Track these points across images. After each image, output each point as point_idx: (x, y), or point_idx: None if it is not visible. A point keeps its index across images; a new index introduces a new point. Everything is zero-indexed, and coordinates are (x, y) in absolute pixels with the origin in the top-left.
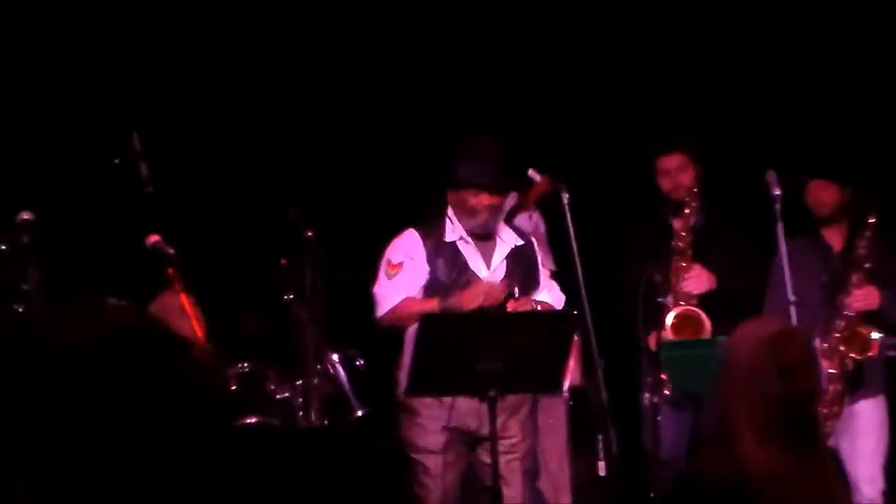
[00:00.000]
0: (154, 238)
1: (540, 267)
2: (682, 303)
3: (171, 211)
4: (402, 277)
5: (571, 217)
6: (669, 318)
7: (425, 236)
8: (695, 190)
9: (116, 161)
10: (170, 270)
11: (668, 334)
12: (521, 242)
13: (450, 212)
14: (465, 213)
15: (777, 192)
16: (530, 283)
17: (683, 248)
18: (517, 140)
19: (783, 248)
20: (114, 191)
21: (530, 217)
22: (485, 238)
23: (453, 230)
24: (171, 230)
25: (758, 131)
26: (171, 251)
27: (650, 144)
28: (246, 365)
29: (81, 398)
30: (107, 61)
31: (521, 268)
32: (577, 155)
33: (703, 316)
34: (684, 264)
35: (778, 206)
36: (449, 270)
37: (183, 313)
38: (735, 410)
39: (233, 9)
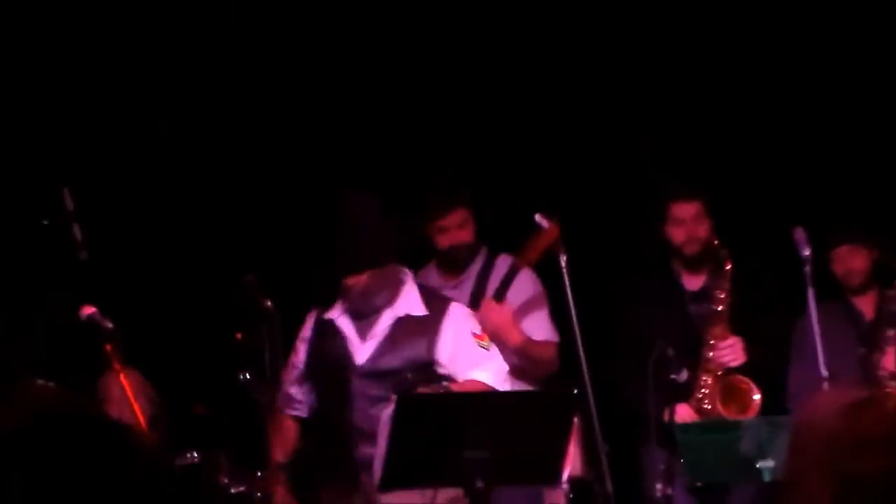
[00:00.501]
0: (89, 310)
1: (469, 337)
2: (706, 377)
3: (109, 278)
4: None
5: (570, 280)
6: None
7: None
8: (718, 244)
9: (45, 222)
10: (108, 346)
11: (714, 406)
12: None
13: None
14: None
15: (807, 252)
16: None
17: (722, 314)
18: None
19: (814, 318)
20: (43, 256)
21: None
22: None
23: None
24: (110, 300)
25: (782, 184)
26: (110, 325)
27: (662, 189)
28: (195, 454)
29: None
30: (34, 104)
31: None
32: (571, 201)
33: (753, 387)
34: (718, 331)
35: (808, 268)
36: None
37: (124, 394)
38: (803, 493)
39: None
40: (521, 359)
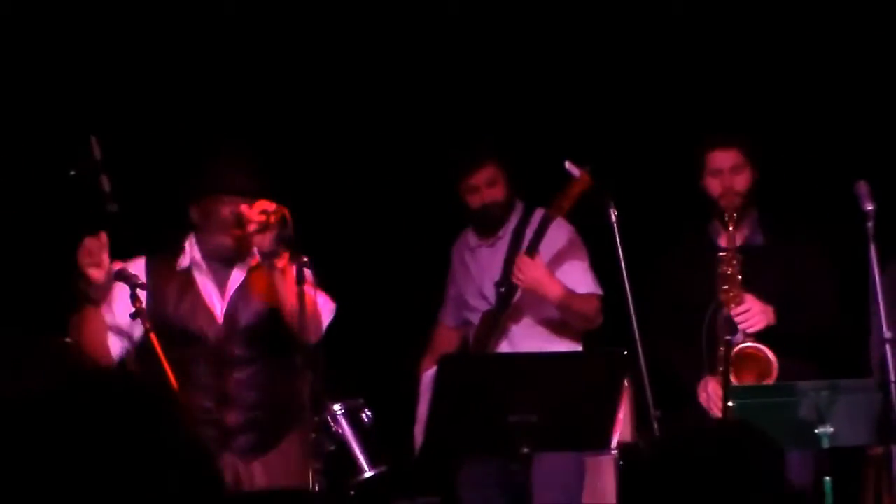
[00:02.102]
0: (117, 265)
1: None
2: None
3: (139, 232)
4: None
5: (620, 236)
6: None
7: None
8: (748, 199)
9: (72, 173)
10: (137, 303)
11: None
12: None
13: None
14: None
15: (870, 207)
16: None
17: (731, 275)
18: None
19: (877, 276)
20: (69, 209)
21: (563, 222)
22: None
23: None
24: (139, 255)
25: (845, 136)
26: (140, 281)
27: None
28: None
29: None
30: (58, 54)
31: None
32: (618, 153)
33: (769, 354)
34: (732, 294)
35: (871, 224)
36: (176, 303)
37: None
38: None
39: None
40: (563, 312)
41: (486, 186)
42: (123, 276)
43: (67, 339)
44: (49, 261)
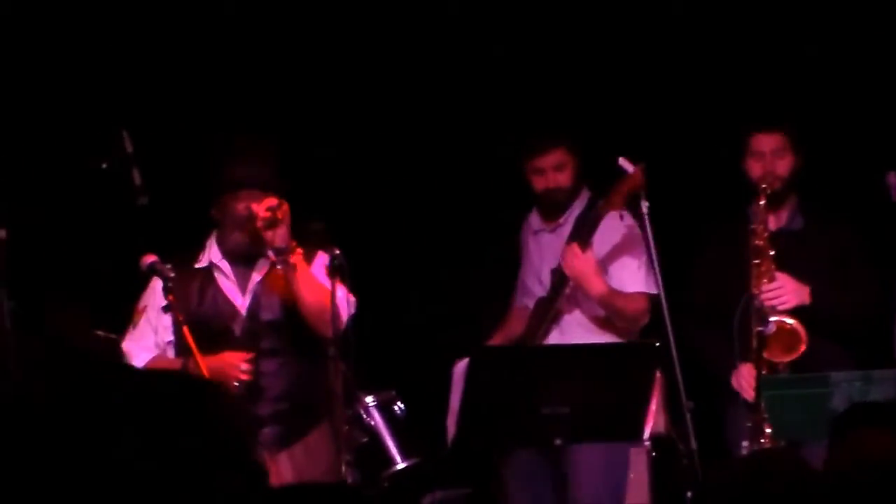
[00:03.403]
0: (150, 258)
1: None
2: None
3: (171, 225)
4: (144, 323)
5: (652, 228)
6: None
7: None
8: (788, 184)
9: (104, 166)
10: (169, 297)
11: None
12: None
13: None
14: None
15: None
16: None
17: (763, 248)
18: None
19: None
20: (101, 202)
21: (621, 218)
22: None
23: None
24: (171, 248)
25: (877, 126)
26: (171, 274)
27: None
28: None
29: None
30: (88, 47)
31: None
32: (651, 144)
33: (800, 329)
34: (764, 268)
35: None
36: (198, 299)
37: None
38: None
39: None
40: (606, 309)
41: (553, 170)
42: (156, 269)
43: (100, 333)
44: (80, 253)
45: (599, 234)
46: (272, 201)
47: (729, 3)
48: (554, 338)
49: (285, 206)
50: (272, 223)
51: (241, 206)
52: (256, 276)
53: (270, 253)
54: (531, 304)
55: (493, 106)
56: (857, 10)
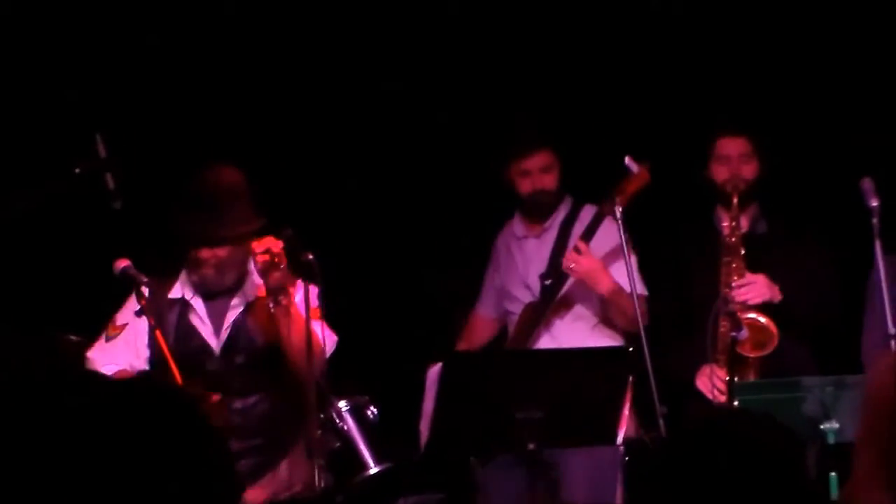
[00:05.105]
0: (123, 263)
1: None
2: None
3: (144, 229)
4: (122, 342)
5: (627, 233)
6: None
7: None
8: (752, 189)
9: (77, 170)
10: (142, 301)
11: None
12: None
13: None
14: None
15: (875, 203)
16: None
17: (734, 246)
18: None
19: (882, 271)
20: (74, 206)
21: (614, 219)
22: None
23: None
24: (144, 253)
25: (850, 132)
26: (145, 279)
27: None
28: None
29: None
30: (62, 51)
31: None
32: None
33: (772, 326)
34: (735, 266)
35: (876, 220)
36: (173, 334)
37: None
38: (864, 458)
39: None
40: (610, 308)
41: (539, 172)
42: (128, 274)
43: (73, 338)
44: (55, 258)
45: (597, 235)
46: (273, 244)
47: (693, 9)
48: (545, 342)
49: (279, 246)
50: (270, 266)
51: (204, 255)
52: (231, 315)
53: (261, 289)
54: (516, 310)
55: (472, 112)
56: (829, 16)
